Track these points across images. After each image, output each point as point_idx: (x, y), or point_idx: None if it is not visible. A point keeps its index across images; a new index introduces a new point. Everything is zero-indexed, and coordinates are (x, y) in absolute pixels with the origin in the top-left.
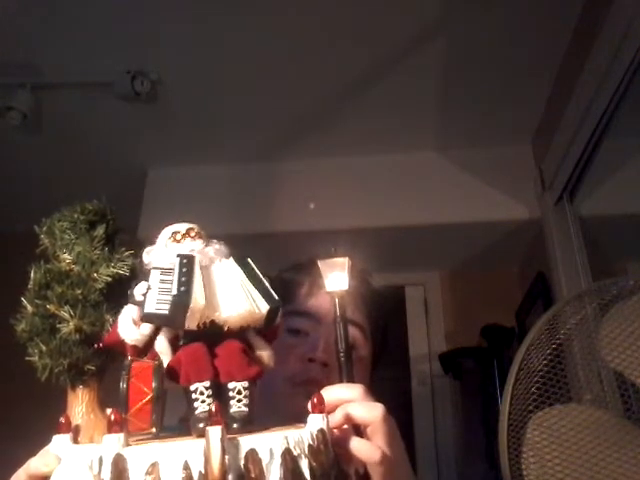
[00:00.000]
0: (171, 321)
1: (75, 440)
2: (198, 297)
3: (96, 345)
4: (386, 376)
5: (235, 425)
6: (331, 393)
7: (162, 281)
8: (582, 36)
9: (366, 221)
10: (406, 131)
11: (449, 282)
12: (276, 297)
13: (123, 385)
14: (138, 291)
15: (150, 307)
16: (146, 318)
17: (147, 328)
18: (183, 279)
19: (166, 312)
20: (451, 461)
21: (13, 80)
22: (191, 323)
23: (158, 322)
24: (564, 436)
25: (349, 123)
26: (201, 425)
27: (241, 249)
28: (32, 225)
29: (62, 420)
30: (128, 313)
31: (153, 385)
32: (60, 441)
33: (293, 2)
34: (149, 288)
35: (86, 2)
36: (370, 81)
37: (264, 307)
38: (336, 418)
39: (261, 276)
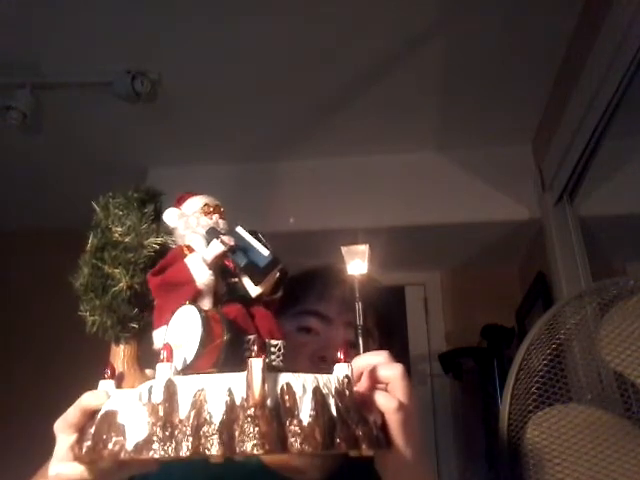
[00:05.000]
0: (261, 276)
1: (119, 386)
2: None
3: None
4: None
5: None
6: (360, 360)
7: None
8: (582, 36)
9: (366, 221)
10: (406, 131)
11: (449, 282)
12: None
13: (204, 325)
14: (228, 241)
15: (247, 259)
16: (246, 267)
17: (213, 275)
18: (263, 244)
19: (261, 266)
20: (451, 461)
21: (13, 80)
22: (269, 283)
23: (252, 273)
24: (564, 436)
25: (349, 123)
26: None
27: None
28: (32, 224)
29: (107, 370)
30: (199, 257)
31: (225, 329)
32: (105, 385)
33: (293, 2)
34: (237, 244)
35: (86, 2)
36: (370, 81)
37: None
38: (362, 382)
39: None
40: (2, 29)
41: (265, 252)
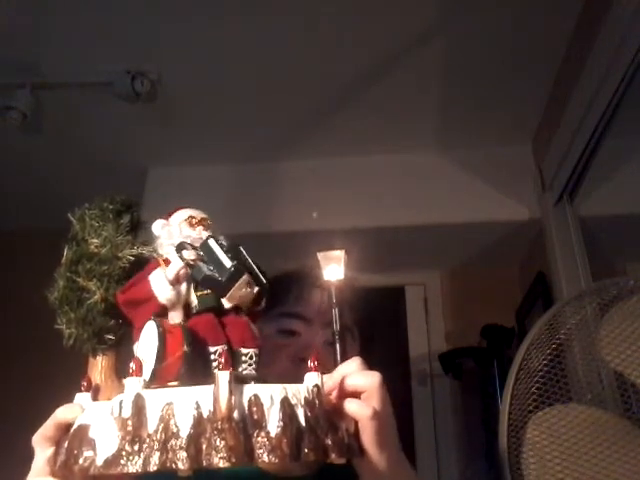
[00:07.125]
0: (223, 288)
1: (95, 399)
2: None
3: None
4: (386, 376)
5: (252, 382)
6: (336, 374)
7: (199, 254)
8: (582, 36)
9: (366, 221)
10: (406, 131)
11: (449, 282)
12: (265, 281)
13: (160, 339)
14: (188, 256)
15: (207, 271)
16: (203, 280)
17: (183, 289)
18: (229, 255)
19: (221, 279)
20: (451, 461)
21: (13, 80)
22: (237, 294)
23: (212, 286)
24: (564, 436)
25: (349, 123)
26: None
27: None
28: (32, 224)
29: (84, 382)
30: (161, 274)
31: (185, 343)
32: (82, 398)
33: (293, 2)
34: (199, 257)
35: (86, 2)
36: (370, 81)
37: (255, 288)
38: (336, 390)
39: (251, 262)
40: (2, 29)
41: (227, 264)
